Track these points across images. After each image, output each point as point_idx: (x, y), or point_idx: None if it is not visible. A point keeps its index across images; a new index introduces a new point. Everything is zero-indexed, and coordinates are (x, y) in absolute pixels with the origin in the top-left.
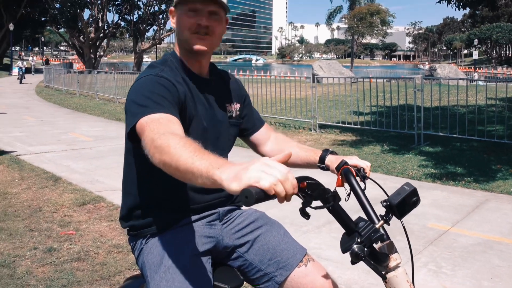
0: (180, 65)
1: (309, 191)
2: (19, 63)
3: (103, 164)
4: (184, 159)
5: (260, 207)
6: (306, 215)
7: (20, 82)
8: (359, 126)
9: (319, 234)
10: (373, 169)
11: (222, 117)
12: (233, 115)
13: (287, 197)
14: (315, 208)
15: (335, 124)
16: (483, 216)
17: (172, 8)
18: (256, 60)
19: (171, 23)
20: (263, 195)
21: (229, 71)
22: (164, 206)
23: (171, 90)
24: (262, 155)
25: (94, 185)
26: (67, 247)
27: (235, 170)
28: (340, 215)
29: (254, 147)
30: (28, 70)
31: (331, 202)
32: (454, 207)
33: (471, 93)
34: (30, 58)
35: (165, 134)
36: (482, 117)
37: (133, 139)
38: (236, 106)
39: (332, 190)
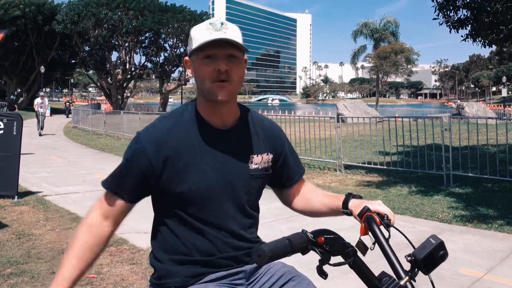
0: (195, 117)
1: (327, 246)
2: (36, 100)
3: None
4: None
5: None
6: (323, 275)
7: (40, 132)
8: (385, 167)
9: (346, 279)
10: (401, 211)
11: (241, 169)
12: (259, 167)
13: None
14: (334, 265)
15: (360, 164)
16: None
17: (186, 58)
18: (272, 100)
19: (188, 73)
20: (277, 253)
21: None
22: (188, 257)
23: (137, 162)
24: (292, 207)
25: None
26: None
27: None
28: (362, 271)
29: (286, 200)
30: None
31: (351, 257)
32: (487, 252)
33: (501, 132)
34: (39, 101)
35: (84, 226)
36: None
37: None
38: (266, 157)
39: (355, 242)
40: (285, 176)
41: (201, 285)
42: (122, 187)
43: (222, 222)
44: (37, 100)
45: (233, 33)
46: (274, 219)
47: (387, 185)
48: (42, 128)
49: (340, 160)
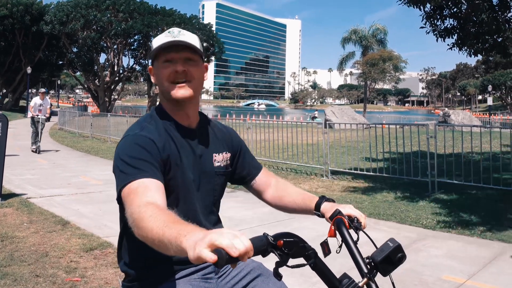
0: (165, 118)
1: (286, 249)
2: (35, 100)
3: (112, 208)
4: (156, 231)
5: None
6: (278, 276)
7: (36, 149)
8: (371, 173)
9: None
10: (386, 217)
11: (208, 167)
12: (221, 165)
13: (240, 256)
14: (292, 266)
15: (347, 170)
16: (501, 269)
17: (150, 66)
18: (259, 104)
19: (152, 80)
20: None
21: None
22: (158, 258)
23: (150, 150)
24: (266, 202)
25: (102, 230)
26: None
27: (197, 237)
28: (323, 272)
29: (258, 195)
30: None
31: (312, 259)
32: (470, 258)
33: (485, 140)
34: (37, 102)
35: (140, 207)
36: (497, 164)
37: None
38: (225, 156)
39: (319, 242)
40: (246, 171)
41: (173, 283)
42: (148, 172)
43: (192, 219)
44: (35, 101)
45: (189, 38)
46: (259, 224)
47: (373, 191)
48: (39, 141)
49: (327, 165)
